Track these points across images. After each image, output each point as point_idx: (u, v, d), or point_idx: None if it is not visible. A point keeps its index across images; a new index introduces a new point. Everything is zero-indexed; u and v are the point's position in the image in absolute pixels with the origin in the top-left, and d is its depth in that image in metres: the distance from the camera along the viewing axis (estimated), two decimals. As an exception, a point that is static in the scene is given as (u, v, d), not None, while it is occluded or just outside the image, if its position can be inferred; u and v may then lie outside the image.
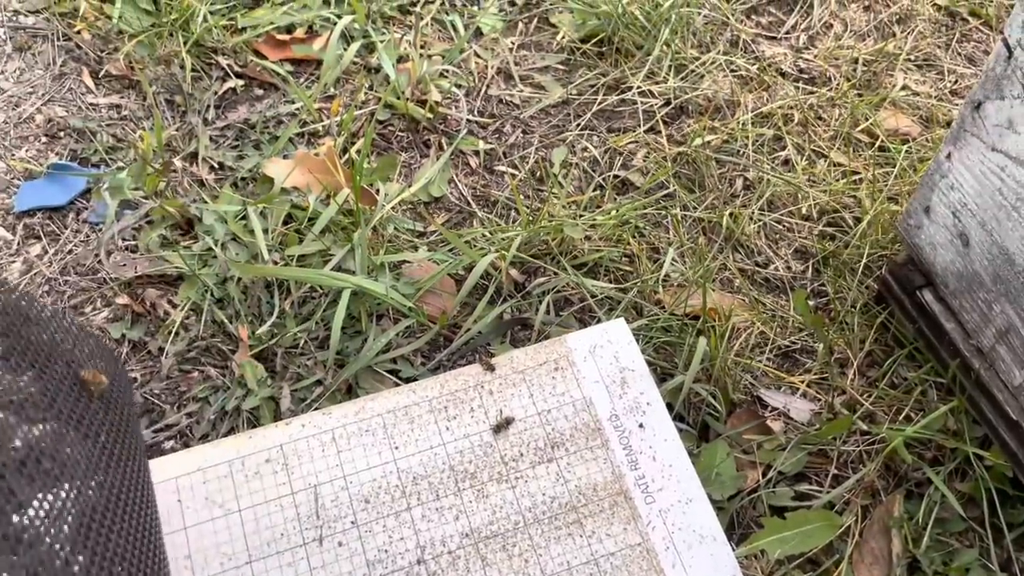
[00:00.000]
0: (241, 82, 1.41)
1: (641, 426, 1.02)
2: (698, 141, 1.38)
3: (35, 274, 1.16)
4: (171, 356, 1.08)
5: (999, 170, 0.95)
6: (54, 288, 1.15)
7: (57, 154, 1.29)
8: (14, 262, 1.17)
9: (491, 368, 1.03)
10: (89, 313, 1.13)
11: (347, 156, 1.33)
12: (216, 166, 1.30)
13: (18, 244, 1.19)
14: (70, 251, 1.18)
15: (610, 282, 1.23)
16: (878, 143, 1.43)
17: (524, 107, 1.47)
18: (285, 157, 1.31)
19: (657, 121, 1.45)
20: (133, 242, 1.19)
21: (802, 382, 1.15)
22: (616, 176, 1.37)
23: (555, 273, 1.21)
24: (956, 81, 1.56)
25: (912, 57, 1.60)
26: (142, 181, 1.18)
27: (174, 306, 1.13)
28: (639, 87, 1.48)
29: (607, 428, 1.02)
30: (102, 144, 1.30)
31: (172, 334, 1.10)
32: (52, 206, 1.21)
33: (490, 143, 1.41)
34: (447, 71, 1.48)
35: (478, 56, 1.53)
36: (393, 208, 1.28)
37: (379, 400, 1.02)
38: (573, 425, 1.02)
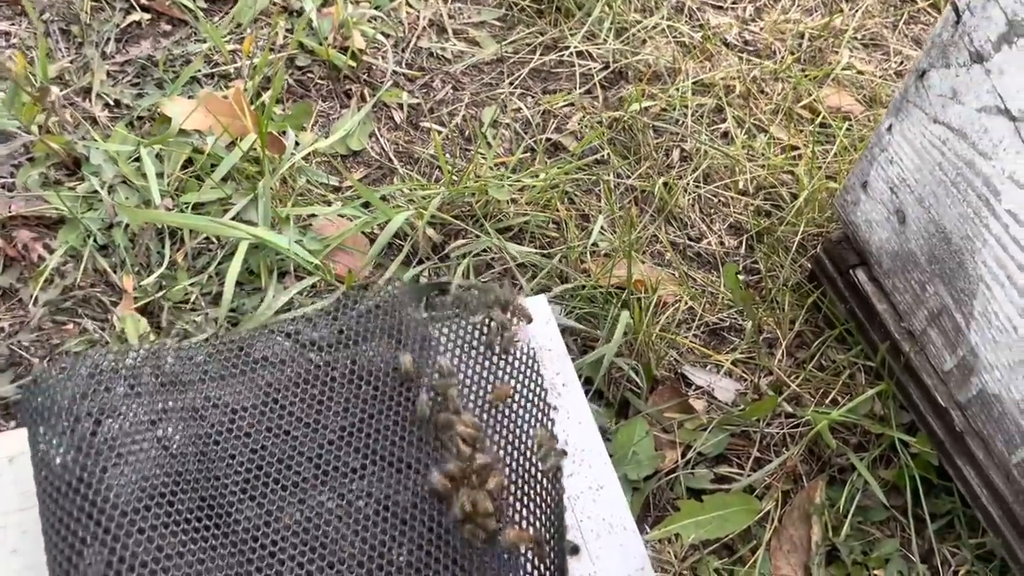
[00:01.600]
0: (147, 16, 1.30)
1: (555, 408, 0.95)
2: (635, 107, 1.31)
3: None
4: (42, 305, 0.98)
5: (940, 143, 0.90)
6: (-86, 225, 1.03)
7: (-67, 81, 1.16)
8: None
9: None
10: (-46, 255, 1.02)
11: (259, 101, 1.23)
12: (112, 103, 1.18)
13: None
14: (-63, 187, 1.06)
15: (536, 248, 1.16)
16: (819, 119, 1.38)
17: (455, 62, 1.38)
18: (190, 98, 1.20)
19: (595, 85, 1.38)
20: (10, 179, 1.08)
21: (728, 360, 1.10)
22: (548, 139, 1.30)
23: (477, 236, 1.13)
24: (901, 63, 1.53)
25: (859, 36, 1.55)
26: (16, 110, 1.06)
27: (50, 251, 1.02)
28: (577, 48, 1.40)
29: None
30: (-16, 72, 1.17)
31: (45, 281, 0.99)
32: (-83, 134, 1.09)
33: (416, 97, 1.33)
34: (375, 18, 1.39)
35: (409, 5, 1.44)
36: (307, 159, 1.19)
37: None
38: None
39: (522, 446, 0.89)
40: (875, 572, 0.97)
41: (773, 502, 1.00)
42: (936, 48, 0.89)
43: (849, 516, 0.99)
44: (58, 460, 0.75)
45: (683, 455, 1.02)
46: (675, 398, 1.06)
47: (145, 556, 0.70)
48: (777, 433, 1.05)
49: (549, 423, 0.92)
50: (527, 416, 0.91)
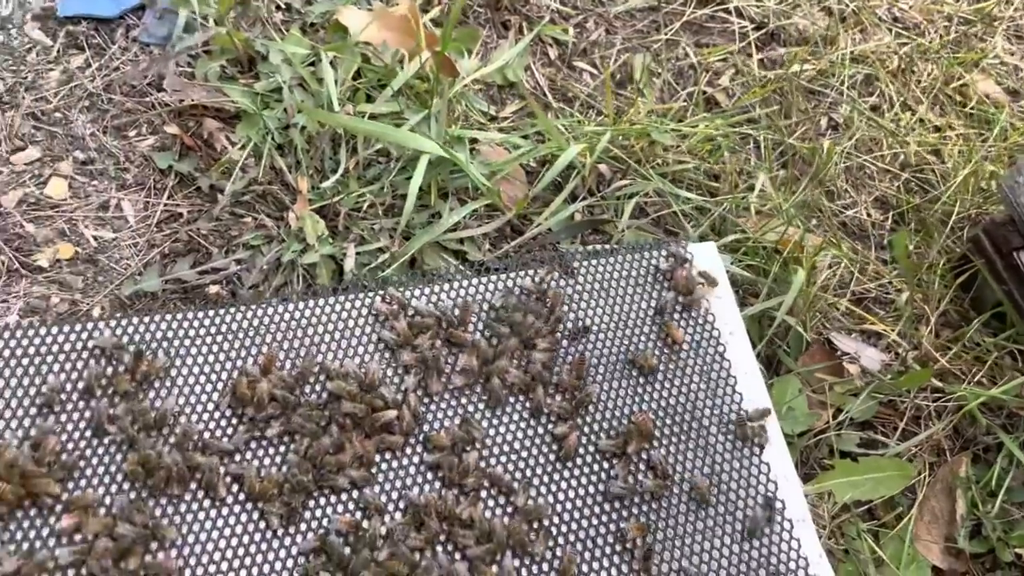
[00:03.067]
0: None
1: (721, 355, 0.95)
2: (795, 68, 1.30)
3: (75, 87, 1.04)
4: (227, 196, 0.98)
5: None
6: (96, 105, 1.03)
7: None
8: (52, 70, 1.05)
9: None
10: (133, 138, 1.02)
11: (424, 19, 1.22)
12: (283, 6, 1.18)
13: (58, 52, 1.06)
14: (116, 68, 1.06)
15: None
16: (972, 104, 1.36)
17: (609, 5, 1.37)
18: (359, 8, 1.19)
19: (749, 43, 1.36)
20: (189, 69, 1.07)
21: (889, 329, 1.09)
22: (703, 92, 1.29)
23: (644, 178, 1.13)
24: (1048, 57, 1.51)
25: (1008, 26, 1.53)
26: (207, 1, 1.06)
27: (232, 143, 1.02)
28: (735, 5, 1.39)
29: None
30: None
31: (222, 173, 1.00)
32: (99, 16, 1.09)
33: (570, 37, 1.31)
34: (536, -48, 1.37)
35: (569, -57, 1.42)
36: (466, 85, 1.18)
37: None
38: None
39: (699, 392, 0.89)
40: (1017, 550, 0.97)
41: (919, 473, 1.01)
42: None
43: (1000, 492, 0.99)
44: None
45: (833, 417, 1.03)
46: (827, 360, 1.06)
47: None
48: (924, 406, 1.06)
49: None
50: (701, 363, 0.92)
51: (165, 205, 0.98)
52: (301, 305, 0.86)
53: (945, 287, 1.16)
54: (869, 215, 1.24)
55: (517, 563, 0.79)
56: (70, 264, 0.93)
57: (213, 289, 0.93)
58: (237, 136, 1.03)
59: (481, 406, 0.86)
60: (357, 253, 0.97)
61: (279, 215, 1.00)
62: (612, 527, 0.83)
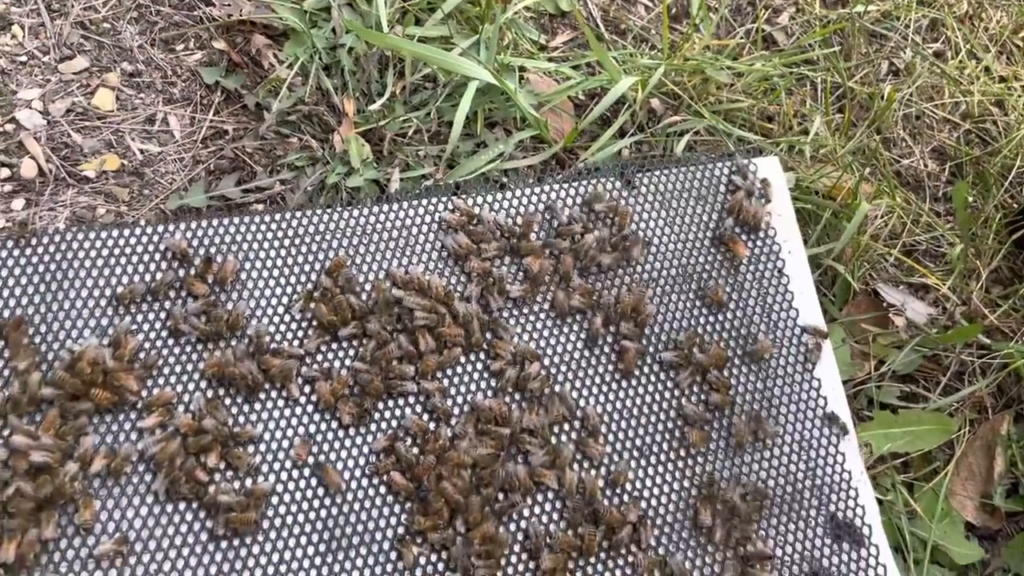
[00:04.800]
0: None
1: (780, 272, 0.94)
2: (859, 8, 1.25)
3: (123, -4, 1.03)
4: (273, 115, 0.97)
5: None
6: (144, 16, 1.02)
7: None
8: (100, -22, 1.03)
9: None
10: (180, 52, 1.01)
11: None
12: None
13: (107, -41, 1.05)
14: (165, -21, 1.04)
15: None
16: (1041, 54, 1.31)
17: (667, -65, 1.32)
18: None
19: (811, -19, 1.31)
20: (236, -16, 1.05)
21: (941, 282, 1.07)
22: (761, 30, 1.24)
23: (698, 115, 1.10)
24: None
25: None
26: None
27: (279, 61, 1.00)
28: (798, -61, 1.33)
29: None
30: None
31: (276, 91, 0.98)
32: (149, -75, 1.07)
33: (627, -34, 1.27)
34: None
35: None
36: (517, 12, 1.15)
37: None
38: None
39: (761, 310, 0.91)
40: (1054, 511, 0.96)
41: (958, 429, 0.99)
42: None
43: (1038, 453, 0.98)
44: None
45: (875, 368, 1.01)
46: (872, 311, 1.04)
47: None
48: (969, 362, 1.04)
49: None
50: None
51: (211, 121, 0.98)
52: (366, 211, 0.87)
53: (999, 243, 1.13)
54: (926, 165, 1.20)
55: (577, 468, 0.82)
56: (116, 176, 0.93)
57: (257, 208, 0.93)
58: (284, 54, 1.01)
59: (543, 316, 0.88)
60: (401, 179, 0.96)
61: (324, 137, 0.99)
62: (670, 436, 0.86)
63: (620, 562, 0.80)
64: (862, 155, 1.15)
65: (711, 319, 0.91)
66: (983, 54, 1.29)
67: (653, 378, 0.88)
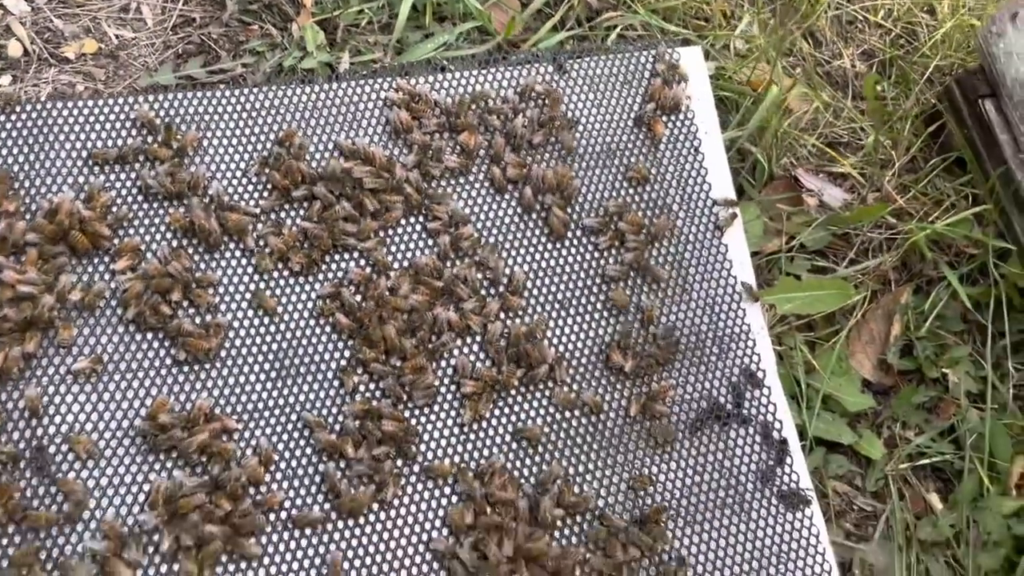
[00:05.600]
0: None
1: (696, 151, 1.04)
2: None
3: None
4: (235, 3, 1.06)
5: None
6: (118, -86, 1.11)
7: None
8: None
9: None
10: (152, -53, 1.10)
11: None
12: None
13: None
14: None
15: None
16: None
17: None
18: None
19: None
20: None
21: (848, 164, 1.16)
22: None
23: (632, 11, 1.18)
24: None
25: None
26: None
27: (241, -46, 1.09)
28: None
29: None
30: None
31: (236, -19, 1.07)
32: None
33: None
34: None
35: None
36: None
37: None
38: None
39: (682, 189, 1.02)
40: (944, 370, 1.07)
41: (861, 297, 1.09)
42: None
43: (929, 319, 1.07)
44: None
45: (787, 243, 1.11)
46: (788, 191, 1.13)
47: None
48: (876, 238, 1.13)
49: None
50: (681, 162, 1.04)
51: (180, 10, 1.07)
52: (317, 89, 0.97)
53: (915, 135, 1.21)
54: (854, 66, 1.28)
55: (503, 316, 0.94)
56: (94, 58, 1.03)
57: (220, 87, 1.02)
58: (246, -52, 1.10)
59: (480, 187, 0.99)
60: (351, 63, 1.06)
61: (284, 25, 1.08)
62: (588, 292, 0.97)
63: (537, 395, 0.91)
64: (790, 55, 1.23)
65: (631, 192, 1.01)
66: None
67: (576, 242, 0.98)
